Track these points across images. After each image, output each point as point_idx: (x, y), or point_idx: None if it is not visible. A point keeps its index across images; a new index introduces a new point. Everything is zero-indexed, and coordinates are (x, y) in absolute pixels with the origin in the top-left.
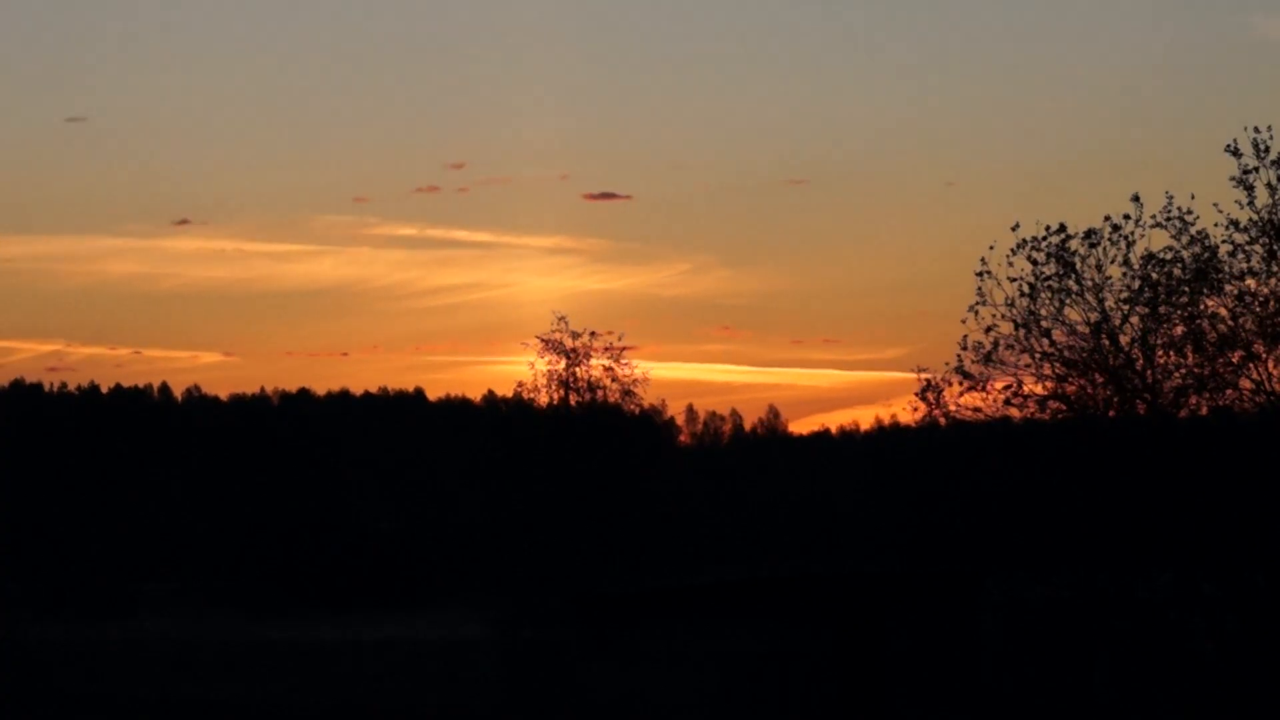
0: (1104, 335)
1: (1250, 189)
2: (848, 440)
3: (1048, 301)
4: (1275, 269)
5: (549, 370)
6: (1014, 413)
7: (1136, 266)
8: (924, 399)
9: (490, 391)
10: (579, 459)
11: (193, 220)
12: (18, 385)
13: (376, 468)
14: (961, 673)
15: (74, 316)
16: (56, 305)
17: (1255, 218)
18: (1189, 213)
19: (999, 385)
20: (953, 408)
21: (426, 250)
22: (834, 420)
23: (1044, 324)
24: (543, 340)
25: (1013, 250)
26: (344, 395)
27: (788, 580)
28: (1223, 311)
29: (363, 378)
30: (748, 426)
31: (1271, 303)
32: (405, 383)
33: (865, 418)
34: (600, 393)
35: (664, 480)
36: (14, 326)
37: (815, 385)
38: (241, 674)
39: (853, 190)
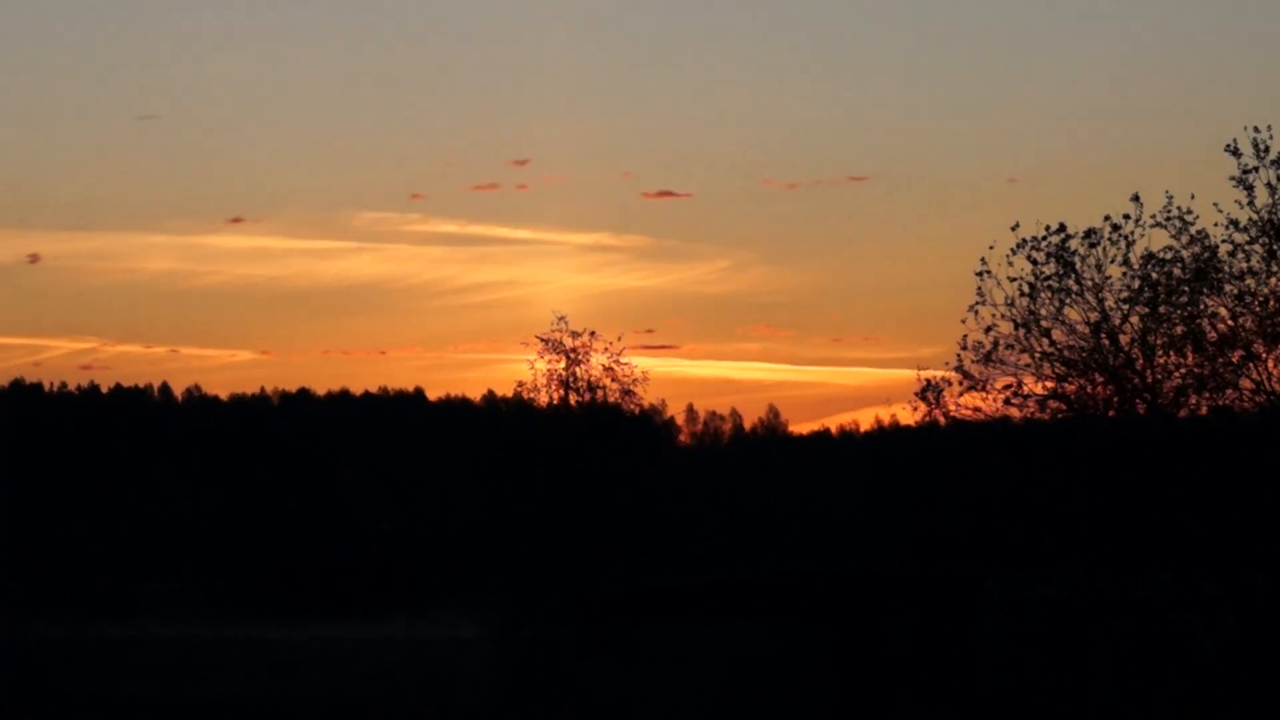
0: (1104, 335)
1: (1250, 189)
2: (848, 440)
3: (1047, 301)
4: (1275, 269)
5: (549, 370)
6: (1014, 412)
7: (1136, 266)
8: (924, 399)
9: (490, 391)
10: (579, 459)
11: (246, 218)
12: (18, 385)
13: (376, 468)
14: (961, 672)
15: (109, 314)
16: (91, 303)
17: (1255, 217)
18: (1189, 212)
19: (999, 385)
20: (952, 408)
21: (467, 247)
22: (870, 419)
23: (1044, 324)
24: (543, 340)
25: (1012, 250)
26: (344, 395)
27: (788, 580)
28: (1223, 311)
29: (399, 376)
30: (748, 426)
31: (1271, 302)
32: (440, 381)
33: (903, 417)
34: (600, 392)
35: (664, 480)
36: (49, 324)
37: (845, 384)
38: (241, 674)
39: (914, 187)
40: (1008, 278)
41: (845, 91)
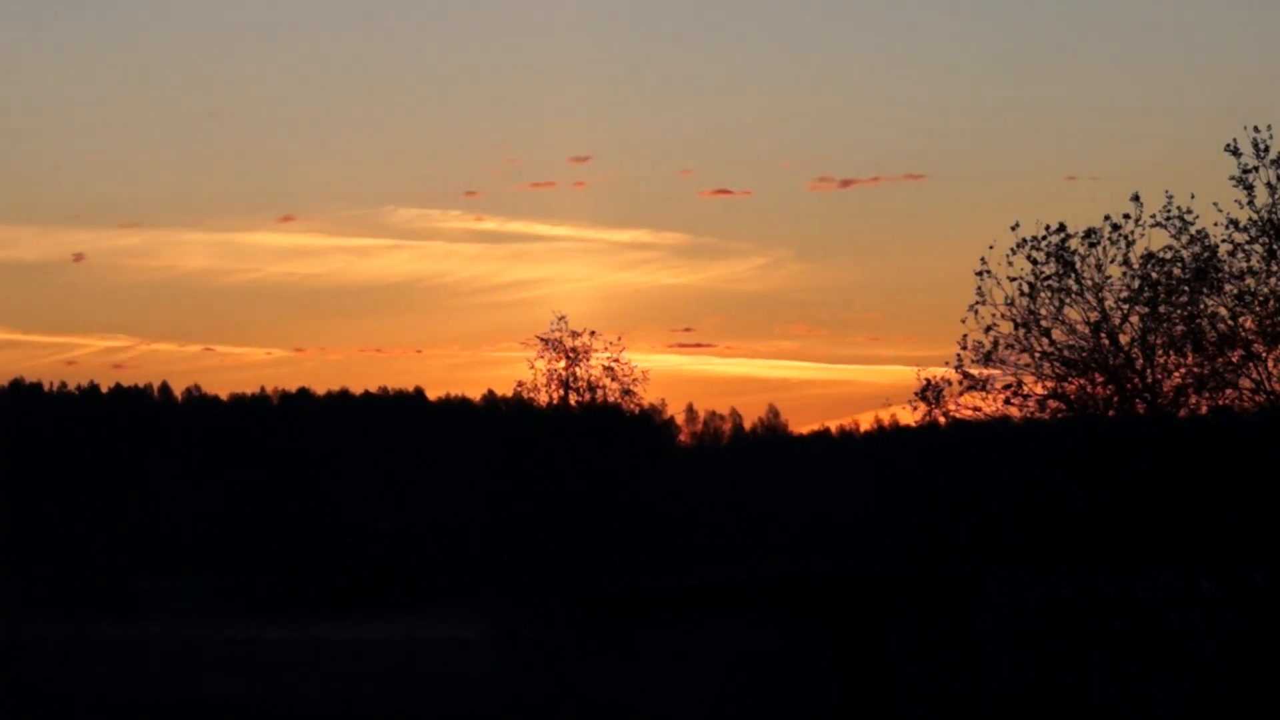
0: (1104, 335)
1: (1250, 188)
2: (847, 440)
3: (1047, 301)
4: (1275, 268)
5: (549, 370)
6: (1014, 412)
7: (1136, 266)
8: (924, 399)
9: (490, 391)
10: (579, 459)
11: (298, 216)
12: (17, 385)
13: (376, 468)
14: (961, 672)
15: (145, 312)
16: (127, 300)
17: (1255, 217)
18: (1189, 212)
19: (999, 385)
20: (952, 407)
21: (504, 244)
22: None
23: (1044, 323)
24: (542, 340)
25: (1012, 250)
26: (344, 395)
27: (788, 580)
28: (1222, 311)
29: (434, 375)
30: (748, 426)
31: (1271, 302)
32: (477, 380)
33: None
34: (600, 392)
35: (664, 480)
36: (85, 321)
37: (876, 382)
38: (241, 674)
39: (970, 186)
40: (1008, 277)
41: (909, 90)
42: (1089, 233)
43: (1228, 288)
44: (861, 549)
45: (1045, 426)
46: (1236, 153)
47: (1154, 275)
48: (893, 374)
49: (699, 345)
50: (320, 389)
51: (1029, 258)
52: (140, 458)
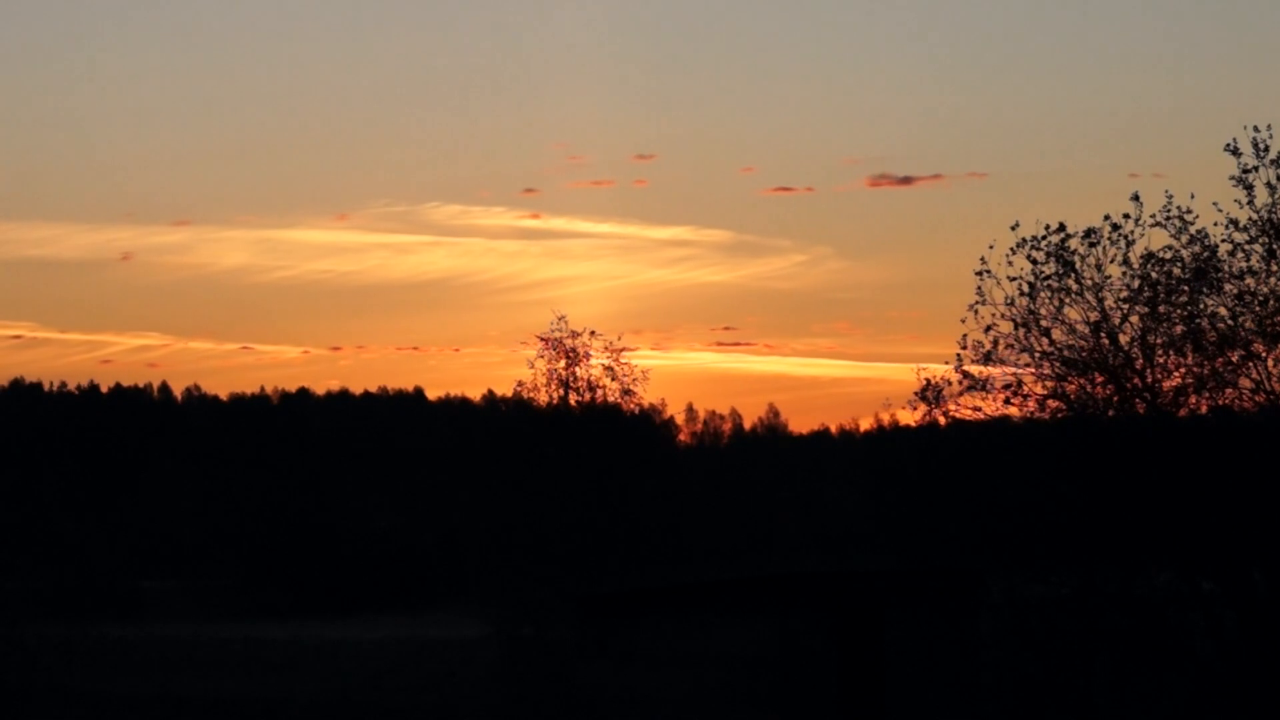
0: (1103, 334)
1: (1250, 188)
2: (847, 440)
3: (1047, 301)
4: (1275, 268)
5: (549, 369)
6: (1014, 412)
7: (1136, 266)
8: (924, 398)
9: (490, 391)
10: (579, 459)
11: (348, 214)
12: (17, 385)
13: (376, 468)
14: (961, 672)
15: (181, 310)
16: (166, 298)
17: (1255, 217)
18: (1189, 212)
19: (999, 384)
20: (952, 407)
21: (540, 241)
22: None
23: (1043, 323)
24: (542, 339)
25: (1012, 249)
26: (343, 394)
27: (787, 579)
28: (1222, 311)
29: (469, 374)
30: (748, 426)
31: (1271, 302)
32: (509, 379)
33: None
34: (600, 392)
35: (664, 480)
36: (121, 320)
37: (905, 380)
38: (241, 673)
39: (1031, 184)
40: (1007, 277)
41: (975, 87)
42: (1089, 232)
43: (1228, 288)
44: (861, 549)
45: (1045, 426)
46: (1236, 153)
47: (1154, 275)
48: (930, 373)
49: (738, 344)
50: (357, 388)
51: (1029, 257)
52: (140, 458)
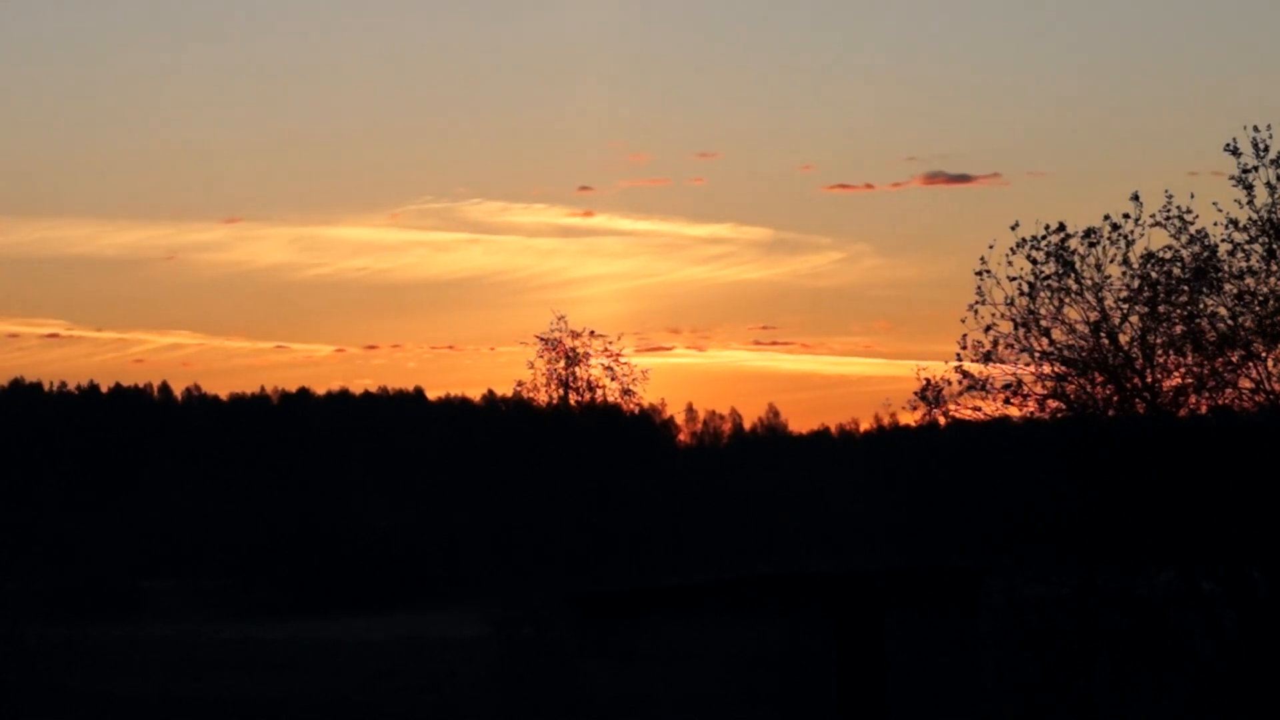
0: (1103, 334)
1: (1249, 188)
2: (847, 439)
3: (1047, 301)
4: (1274, 268)
5: (549, 369)
6: (1014, 412)
7: (1136, 266)
8: (924, 398)
9: (490, 391)
10: (578, 458)
11: (394, 211)
12: (17, 384)
13: (376, 467)
14: (961, 672)
15: (215, 308)
16: (201, 296)
17: (1254, 217)
18: (1188, 212)
19: (999, 384)
20: (952, 407)
21: (578, 239)
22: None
23: (1043, 323)
24: (542, 339)
25: (1012, 249)
26: (344, 395)
27: (787, 579)
28: (1222, 311)
29: (503, 374)
30: (747, 426)
31: (1271, 302)
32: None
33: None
34: (600, 392)
35: (663, 479)
36: (156, 318)
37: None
38: (242, 673)
39: (1089, 183)
40: (1007, 277)
41: (1037, 87)
42: (1088, 232)
43: (1227, 287)
44: (861, 548)
45: (1045, 426)
46: (1236, 153)
47: (1154, 275)
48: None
49: (775, 343)
50: (393, 387)
51: (1029, 257)
52: (140, 458)
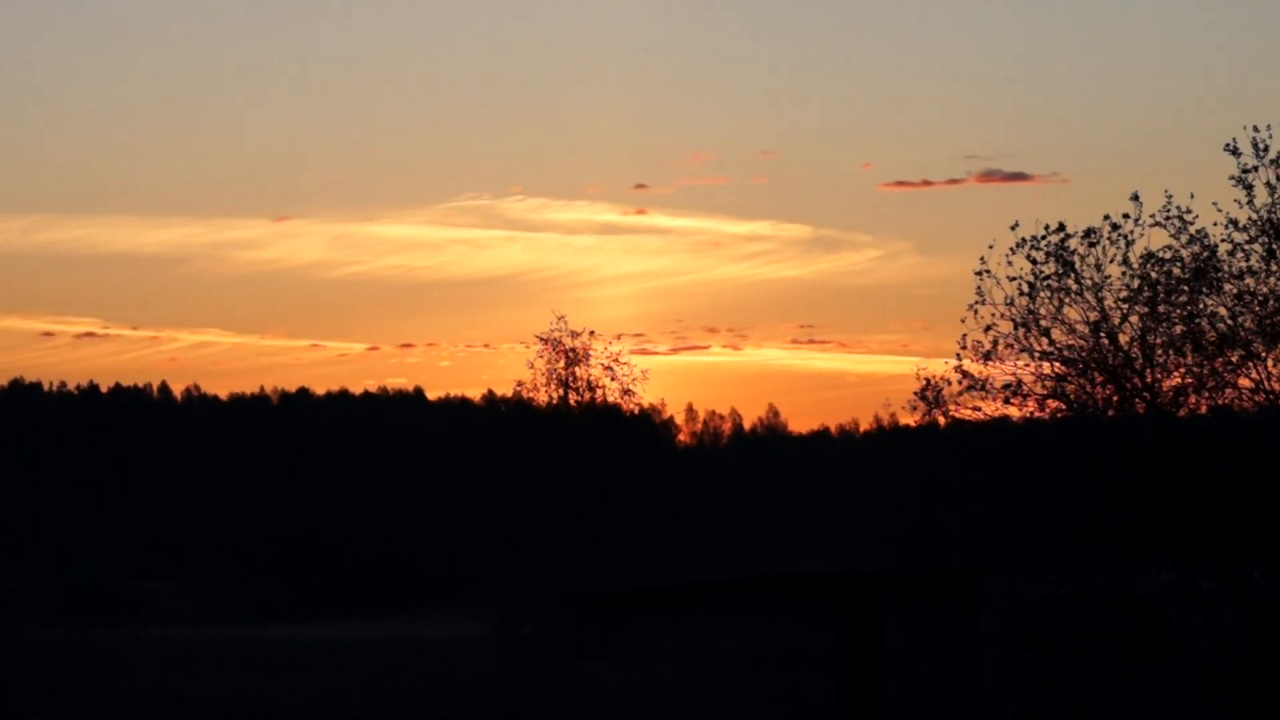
0: (1103, 334)
1: (1249, 188)
2: (847, 439)
3: (1047, 300)
4: (1274, 268)
5: (548, 369)
6: (1013, 412)
7: (1136, 265)
8: (924, 398)
9: (490, 391)
10: (578, 458)
11: (444, 210)
12: (17, 384)
13: (376, 468)
14: (961, 671)
15: (242, 305)
16: (234, 294)
17: (1254, 217)
18: (1188, 212)
19: (998, 384)
20: (952, 407)
21: (616, 237)
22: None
23: (1043, 323)
24: (542, 339)
25: (1012, 249)
26: (343, 395)
27: (787, 579)
28: (1222, 311)
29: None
30: (747, 426)
31: (1271, 302)
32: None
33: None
34: (599, 392)
35: (663, 479)
36: (188, 316)
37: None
38: (241, 674)
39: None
40: (1007, 277)
41: (1098, 87)
42: (1088, 232)
43: (1227, 287)
44: (861, 548)
45: (1045, 426)
46: (1236, 153)
47: (1153, 275)
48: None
49: (811, 341)
50: (430, 389)
51: (1028, 257)
52: (140, 457)
